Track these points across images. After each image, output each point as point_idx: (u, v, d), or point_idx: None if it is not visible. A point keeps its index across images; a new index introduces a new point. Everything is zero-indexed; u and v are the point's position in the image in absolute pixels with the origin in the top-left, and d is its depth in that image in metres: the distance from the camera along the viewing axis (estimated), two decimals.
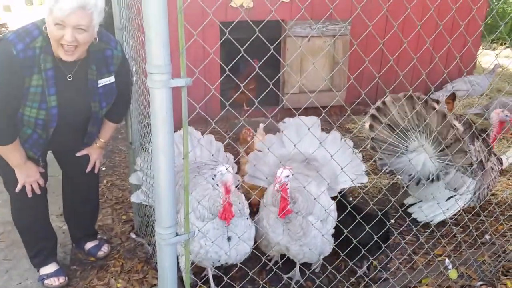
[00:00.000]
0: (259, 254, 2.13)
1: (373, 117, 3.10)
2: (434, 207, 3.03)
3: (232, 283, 2.22)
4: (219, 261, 2.19)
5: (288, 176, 2.10)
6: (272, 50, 1.52)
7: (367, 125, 3.15)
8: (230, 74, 1.45)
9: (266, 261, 2.01)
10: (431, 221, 3.01)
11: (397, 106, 2.90)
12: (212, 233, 2.12)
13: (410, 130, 2.96)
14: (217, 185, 2.12)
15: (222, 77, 1.54)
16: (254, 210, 2.84)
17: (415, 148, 3.01)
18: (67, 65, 2.03)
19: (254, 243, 2.32)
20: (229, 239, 2.15)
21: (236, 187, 2.50)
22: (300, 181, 2.21)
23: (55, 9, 1.81)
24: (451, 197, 3.00)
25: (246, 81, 1.90)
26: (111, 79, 2.19)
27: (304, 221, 2.25)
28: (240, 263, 2.24)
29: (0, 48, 1.91)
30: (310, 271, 2.56)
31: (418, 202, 3.15)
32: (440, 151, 2.86)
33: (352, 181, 2.51)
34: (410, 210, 3.14)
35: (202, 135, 2.86)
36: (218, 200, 2.09)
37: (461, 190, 2.95)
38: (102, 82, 2.16)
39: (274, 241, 2.31)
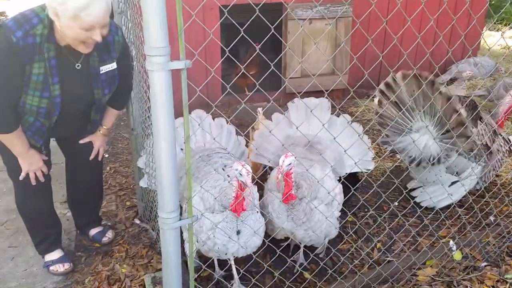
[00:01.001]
0: (263, 238, 2.13)
1: (382, 92, 3.05)
2: (439, 191, 3.00)
3: (237, 266, 2.23)
4: (226, 254, 2.16)
5: (290, 164, 2.07)
6: (273, 30, 1.49)
7: (376, 100, 3.10)
8: (230, 56, 1.42)
9: (269, 244, 2.00)
10: (435, 206, 3.00)
11: (406, 82, 2.86)
12: (221, 225, 2.07)
13: (416, 110, 2.93)
14: (228, 176, 2.09)
15: (223, 59, 1.51)
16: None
17: (418, 129, 2.98)
18: (75, 53, 2.01)
19: None
20: (238, 232, 2.10)
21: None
22: (304, 166, 2.19)
23: (82, 15, 1.78)
24: (455, 182, 2.98)
25: (247, 63, 1.88)
26: (113, 65, 2.17)
27: (307, 207, 2.24)
28: None
29: None
30: (314, 253, 2.56)
31: (422, 186, 3.12)
32: (443, 133, 2.83)
33: (356, 164, 2.49)
34: (413, 193, 3.12)
35: (213, 119, 2.80)
36: (230, 193, 2.04)
37: (464, 174, 2.92)
38: (104, 68, 2.14)
39: (278, 226, 2.31)
